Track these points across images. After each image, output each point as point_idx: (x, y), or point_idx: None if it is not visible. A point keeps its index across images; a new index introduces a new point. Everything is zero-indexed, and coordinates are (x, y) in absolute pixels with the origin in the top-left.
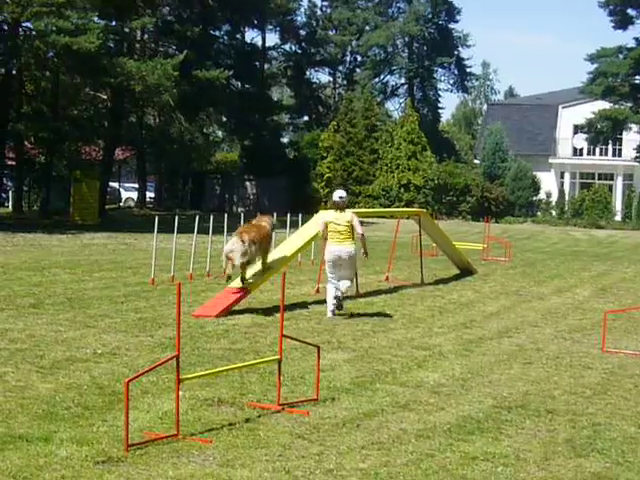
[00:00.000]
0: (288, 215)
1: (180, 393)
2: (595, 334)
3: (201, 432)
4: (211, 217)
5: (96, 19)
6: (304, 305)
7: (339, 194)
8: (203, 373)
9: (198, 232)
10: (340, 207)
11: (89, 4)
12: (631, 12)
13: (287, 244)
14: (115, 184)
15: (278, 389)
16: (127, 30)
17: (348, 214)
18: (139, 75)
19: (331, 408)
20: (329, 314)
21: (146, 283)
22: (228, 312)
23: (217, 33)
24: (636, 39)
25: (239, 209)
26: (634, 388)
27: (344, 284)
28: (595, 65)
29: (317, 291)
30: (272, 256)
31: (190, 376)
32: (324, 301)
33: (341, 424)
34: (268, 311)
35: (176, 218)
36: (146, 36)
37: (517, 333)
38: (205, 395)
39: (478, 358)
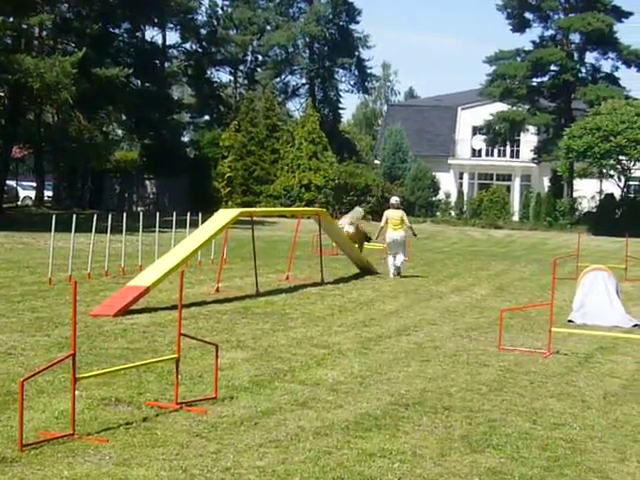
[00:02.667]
0: (188, 214)
1: (76, 392)
2: (492, 332)
3: (97, 431)
4: (109, 216)
5: None
6: (203, 304)
7: (395, 199)
8: (100, 372)
9: (96, 231)
10: (395, 207)
11: None
12: (528, 15)
13: (187, 243)
14: (12, 182)
15: (176, 388)
16: (25, 27)
17: (400, 212)
18: (37, 72)
19: (229, 407)
20: (390, 275)
21: (43, 282)
22: (126, 311)
23: (117, 31)
24: (533, 42)
25: (138, 208)
26: (529, 385)
27: (399, 258)
28: (494, 67)
29: (217, 290)
30: (170, 255)
31: (86, 375)
32: (224, 300)
33: (239, 422)
34: (167, 310)
35: (74, 217)
36: (44, 33)
37: (415, 331)
38: (102, 394)
39: (377, 356)
